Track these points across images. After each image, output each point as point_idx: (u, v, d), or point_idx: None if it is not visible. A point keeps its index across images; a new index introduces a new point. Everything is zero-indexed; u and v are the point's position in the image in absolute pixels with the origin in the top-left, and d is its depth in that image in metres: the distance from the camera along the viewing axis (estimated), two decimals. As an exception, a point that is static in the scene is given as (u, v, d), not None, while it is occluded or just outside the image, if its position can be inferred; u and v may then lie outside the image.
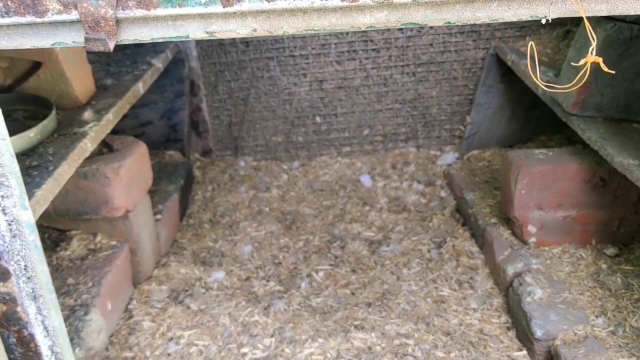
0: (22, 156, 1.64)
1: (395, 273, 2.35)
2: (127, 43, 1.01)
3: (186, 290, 2.27)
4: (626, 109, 2.07)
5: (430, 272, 2.34)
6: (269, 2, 0.94)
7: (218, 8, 0.95)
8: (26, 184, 1.43)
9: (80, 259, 2.08)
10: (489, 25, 2.90)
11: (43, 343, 1.25)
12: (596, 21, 1.97)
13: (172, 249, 2.54)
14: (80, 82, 2.02)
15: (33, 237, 1.16)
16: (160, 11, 0.95)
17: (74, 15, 0.95)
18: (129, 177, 2.10)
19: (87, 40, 0.96)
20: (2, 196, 1.11)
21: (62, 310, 1.41)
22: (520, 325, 1.97)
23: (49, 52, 1.89)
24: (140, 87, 2.30)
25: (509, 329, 2.03)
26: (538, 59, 2.52)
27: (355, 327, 2.07)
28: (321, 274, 2.38)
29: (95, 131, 1.84)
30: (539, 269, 2.09)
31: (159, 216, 2.45)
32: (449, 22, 0.99)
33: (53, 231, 2.18)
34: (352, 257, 2.47)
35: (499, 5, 0.97)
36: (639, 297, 1.95)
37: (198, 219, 2.76)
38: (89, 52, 2.12)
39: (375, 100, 3.12)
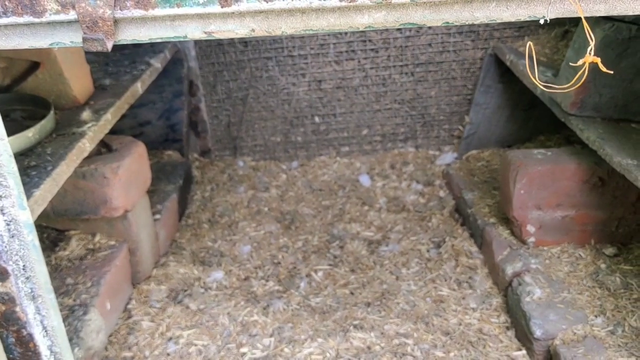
0: (21, 156, 1.64)
1: (395, 273, 2.35)
2: (125, 43, 1.01)
3: (185, 290, 2.27)
4: (625, 109, 2.07)
5: (429, 271, 2.34)
6: (267, 2, 0.94)
7: (216, 8, 0.95)
8: (24, 184, 1.43)
9: (79, 259, 2.08)
10: (487, 25, 2.90)
11: (42, 343, 1.24)
12: (594, 21, 1.97)
13: (171, 248, 2.54)
14: (78, 82, 2.02)
15: (31, 237, 1.16)
16: (158, 11, 0.95)
17: (71, 15, 0.95)
18: (128, 177, 2.10)
19: (85, 40, 0.96)
20: (1, 196, 1.10)
21: (61, 310, 1.40)
22: (519, 325, 1.97)
23: (47, 52, 1.89)
24: (139, 87, 2.30)
25: (508, 328, 2.03)
26: (536, 59, 2.52)
27: (355, 326, 2.07)
28: (320, 273, 2.38)
29: (93, 131, 1.84)
30: (538, 269, 2.09)
31: (157, 216, 2.45)
32: (448, 22, 0.99)
33: (52, 231, 2.18)
34: (351, 257, 2.47)
35: (497, 6, 0.97)
36: (638, 297, 1.95)
37: (197, 219, 2.76)
38: (87, 52, 2.12)
39: (374, 100, 3.12)
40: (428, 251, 2.47)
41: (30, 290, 1.19)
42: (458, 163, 3.04)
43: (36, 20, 0.96)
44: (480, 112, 3.03)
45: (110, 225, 2.17)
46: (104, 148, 2.21)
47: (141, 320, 2.12)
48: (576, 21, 2.39)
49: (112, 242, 2.17)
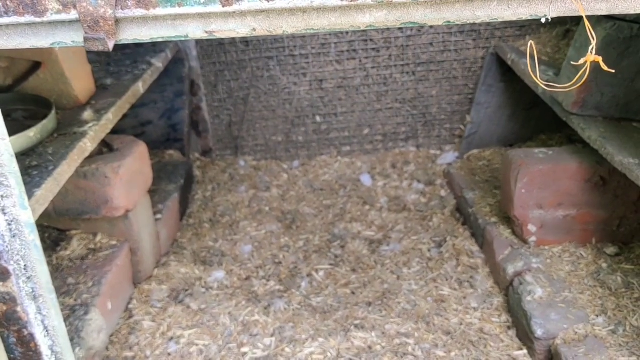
0: (22, 156, 1.64)
1: (396, 272, 2.35)
2: (126, 43, 1.01)
3: (186, 290, 2.27)
4: (626, 108, 2.06)
5: (430, 271, 2.34)
6: (268, 2, 0.94)
7: (217, 7, 0.95)
8: (26, 183, 1.44)
9: (80, 259, 2.08)
10: (488, 24, 2.90)
11: (43, 343, 1.25)
12: (596, 20, 1.97)
13: (172, 248, 2.54)
14: (80, 82, 2.02)
15: (33, 237, 1.16)
16: (160, 11, 0.95)
17: (73, 15, 0.95)
18: (129, 176, 2.10)
19: (86, 40, 0.96)
20: (2, 196, 1.10)
21: (62, 310, 1.41)
22: (520, 325, 1.97)
23: (49, 52, 1.89)
24: (140, 87, 2.30)
25: (509, 328, 2.03)
26: (538, 58, 2.51)
27: (356, 326, 2.07)
28: (321, 273, 2.38)
29: (95, 131, 1.84)
30: (539, 268, 2.09)
31: (159, 216, 2.45)
32: (449, 22, 0.99)
33: (53, 231, 2.18)
34: (353, 256, 2.47)
35: (499, 5, 0.97)
36: (639, 296, 1.94)
37: (198, 219, 2.76)
38: (88, 52, 2.12)
39: (375, 100, 3.12)
40: (429, 251, 2.47)
41: (31, 290, 1.20)
42: (459, 162, 3.04)
43: (37, 19, 0.96)
44: (482, 111, 3.03)
45: (111, 225, 2.17)
46: (106, 148, 2.21)
47: (142, 320, 2.12)
48: (578, 20, 2.39)
49: (114, 242, 2.17)
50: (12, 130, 1.30)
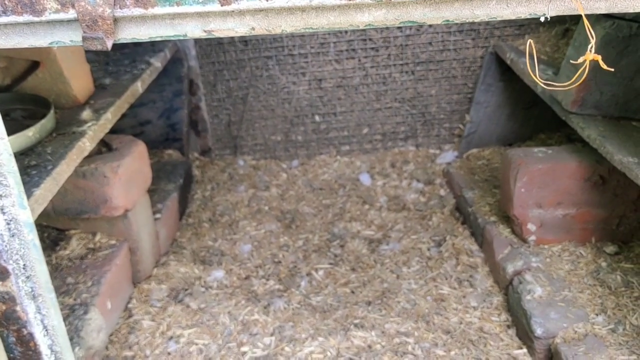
0: (21, 155, 1.64)
1: (395, 271, 2.35)
2: (125, 42, 1.00)
3: (186, 289, 2.27)
4: (625, 107, 2.06)
5: (430, 270, 2.34)
6: (267, 1, 0.94)
7: (216, 6, 0.95)
8: (25, 183, 1.43)
9: (79, 258, 2.08)
10: (488, 23, 2.90)
11: (42, 342, 1.24)
12: (595, 19, 1.97)
13: (171, 248, 2.54)
14: (78, 81, 2.02)
15: (32, 237, 1.16)
16: (158, 10, 0.95)
17: (71, 14, 0.95)
18: (128, 176, 2.09)
19: (84, 39, 0.96)
20: (1, 195, 1.10)
21: (61, 310, 1.40)
22: (520, 324, 1.97)
23: (47, 51, 1.89)
24: (139, 87, 2.30)
25: (509, 327, 2.03)
26: (537, 58, 2.51)
27: (355, 325, 2.07)
28: (321, 272, 2.38)
29: (93, 130, 1.84)
30: (539, 267, 2.09)
31: (158, 215, 2.45)
32: (448, 20, 0.99)
33: (52, 230, 2.18)
34: (352, 255, 2.46)
35: (498, 3, 0.97)
36: (638, 295, 1.94)
37: (197, 218, 2.76)
38: (87, 52, 2.12)
39: (375, 99, 3.12)
40: (429, 250, 2.47)
41: (30, 290, 1.19)
42: (458, 162, 3.04)
43: (36, 19, 0.96)
44: (481, 110, 3.03)
45: (110, 225, 2.17)
46: (104, 147, 2.21)
47: (142, 319, 2.12)
48: (577, 19, 2.39)
49: (113, 242, 2.17)
50: (11, 129, 1.30)
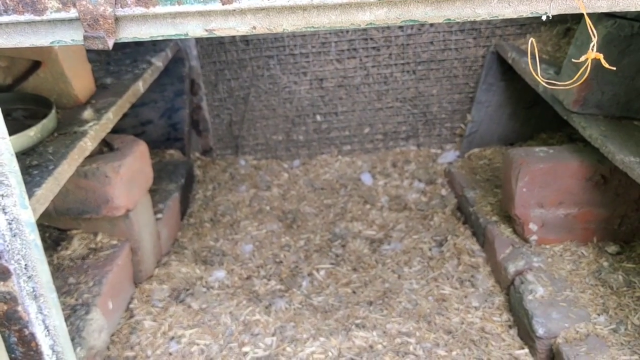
0: (22, 155, 1.64)
1: (397, 271, 2.35)
2: (126, 41, 1.00)
3: (187, 290, 2.27)
4: (627, 107, 2.06)
5: (431, 270, 2.34)
6: (268, 0, 0.94)
7: (217, 5, 0.95)
8: (26, 183, 1.43)
9: (81, 258, 2.08)
10: (489, 23, 2.89)
11: (44, 342, 1.24)
12: (596, 18, 1.96)
13: (173, 248, 2.54)
14: (80, 81, 2.02)
15: (33, 236, 1.16)
16: (159, 9, 0.95)
17: (72, 13, 0.95)
18: (130, 176, 2.09)
19: (86, 38, 0.96)
20: (2, 195, 1.10)
21: (63, 310, 1.40)
22: (521, 324, 1.97)
23: (49, 51, 1.89)
24: (140, 86, 2.30)
25: (510, 327, 2.03)
26: (539, 57, 2.51)
27: (357, 325, 2.07)
28: (322, 272, 2.38)
29: (95, 130, 1.84)
30: (541, 267, 2.09)
31: (159, 215, 2.45)
32: (449, 19, 0.99)
33: (54, 230, 2.18)
34: (353, 255, 2.46)
35: (499, 2, 0.97)
36: (640, 295, 1.94)
37: (199, 218, 2.76)
38: (88, 51, 2.12)
39: (376, 99, 3.12)
40: (430, 250, 2.46)
41: (32, 290, 1.19)
42: (460, 161, 3.04)
43: (37, 18, 0.96)
44: (482, 110, 3.03)
45: (112, 225, 2.17)
46: (106, 147, 2.21)
47: (143, 319, 2.12)
48: (578, 18, 2.39)
49: (114, 242, 2.17)
50: (13, 129, 1.30)
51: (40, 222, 2.13)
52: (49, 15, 0.95)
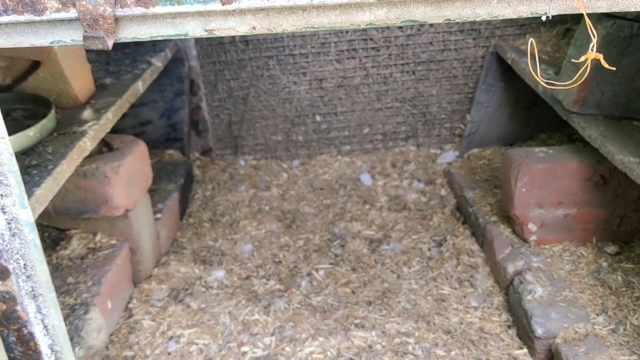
0: (22, 155, 1.64)
1: (396, 271, 2.35)
2: (125, 41, 1.00)
3: (186, 289, 2.27)
4: (626, 107, 2.06)
5: (430, 270, 2.34)
6: (268, 0, 0.94)
7: (217, 6, 0.95)
8: (25, 182, 1.43)
9: (80, 258, 2.08)
10: (489, 23, 2.89)
11: (43, 342, 1.24)
12: (596, 19, 1.97)
13: (172, 248, 2.54)
14: (79, 81, 2.02)
15: (32, 236, 1.16)
16: (159, 9, 0.95)
17: (72, 13, 0.95)
18: (129, 176, 2.09)
19: (85, 38, 0.96)
20: (2, 195, 1.10)
21: (62, 309, 1.40)
22: (520, 324, 1.97)
23: (48, 51, 1.89)
24: (140, 86, 2.30)
25: (509, 327, 2.03)
26: (538, 57, 2.51)
27: (356, 325, 2.07)
28: (321, 272, 2.38)
29: (94, 130, 1.84)
30: (540, 267, 2.09)
31: (159, 215, 2.45)
32: (449, 19, 0.99)
33: (53, 230, 2.18)
34: (353, 255, 2.46)
35: (499, 2, 0.97)
36: (639, 295, 1.94)
37: (198, 218, 2.76)
38: (88, 51, 2.12)
39: (375, 99, 3.12)
40: (429, 250, 2.46)
41: (31, 289, 1.19)
42: (459, 161, 3.04)
43: (37, 18, 0.96)
44: (482, 110, 3.03)
45: (111, 225, 2.17)
46: (105, 147, 2.21)
47: (142, 319, 2.12)
48: (578, 19, 2.39)
49: (113, 241, 2.17)
50: (12, 129, 1.30)
51: (40, 222, 2.13)
52: (48, 16, 0.95)
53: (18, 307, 1.18)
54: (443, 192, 2.88)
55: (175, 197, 2.64)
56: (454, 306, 2.14)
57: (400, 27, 2.93)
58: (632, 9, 0.97)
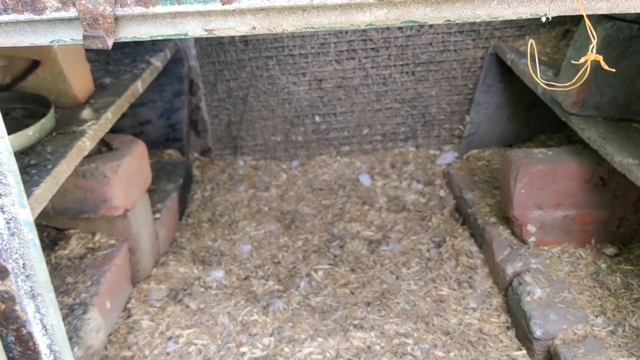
0: (21, 155, 1.64)
1: (395, 272, 2.35)
2: (125, 41, 1.00)
3: (185, 290, 2.27)
4: (626, 109, 2.06)
5: (429, 271, 2.34)
6: (268, 0, 0.94)
7: (217, 5, 0.95)
8: (25, 182, 1.43)
9: (79, 258, 2.08)
10: (488, 24, 2.90)
11: (42, 342, 1.24)
12: (595, 20, 1.97)
13: (171, 248, 2.53)
14: (79, 80, 2.02)
15: (31, 236, 1.16)
16: (159, 8, 0.95)
17: (72, 12, 0.94)
18: (128, 176, 2.09)
19: (85, 37, 0.96)
20: (1, 194, 1.10)
21: (60, 309, 1.40)
22: (519, 325, 1.97)
23: (48, 50, 1.89)
24: (139, 86, 2.30)
25: (508, 328, 2.03)
26: (538, 59, 2.51)
27: (355, 326, 2.07)
28: (320, 273, 2.38)
29: (94, 130, 1.84)
30: (539, 269, 2.09)
31: (158, 215, 2.45)
32: (449, 20, 0.99)
33: (52, 230, 2.17)
34: (352, 256, 2.46)
35: (499, 3, 0.97)
36: (638, 297, 1.94)
37: (197, 218, 2.76)
38: (87, 51, 2.12)
39: (375, 100, 3.12)
40: (428, 251, 2.46)
41: (30, 289, 1.19)
42: (458, 162, 3.04)
43: (36, 17, 0.96)
44: (481, 111, 3.03)
45: (110, 224, 2.16)
46: (104, 147, 2.21)
47: (141, 319, 2.12)
48: (577, 20, 2.39)
49: (112, 241, 2.17)
50: (11, 128, 1.30)
51: (39, 222, 2.12)
52: (48, 15, 0.95)
53: (17, 307, 1.18)
54: (442, 193, 2.88)
55: (175, 197, 2.64)
56: (453, 307, 2.14)
57: (399, 28, 2.93)
58: (632, 11, 0.97)
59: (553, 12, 0.97)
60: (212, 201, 2.90)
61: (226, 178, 3.09)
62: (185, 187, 2.87)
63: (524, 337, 1.93)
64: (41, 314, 1.23)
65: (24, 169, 1.56)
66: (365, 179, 3.04)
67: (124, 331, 2.07)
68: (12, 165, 1.10)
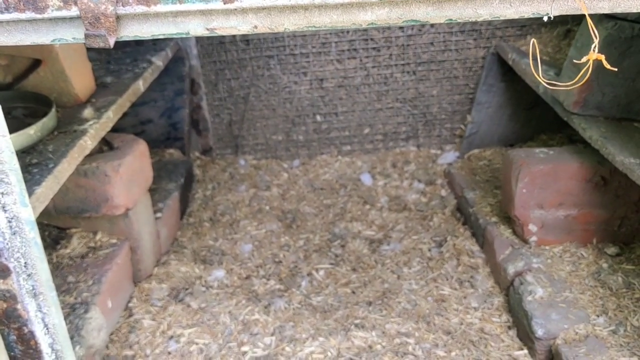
0: (22, 154, 1.64)
1: (396, 272, 2.35)
2: (127, 39, 1.00)
3: (186, 289, 2.27)
4: (627, 108, 2.06)
5: (430, 271, 2.34)
6: (270, -1, 0.94)
7: (219, 4, 0.95)
8: (26, 181, 1.43)
9: (80, 257, 2.08)
10: (489, 24, 2.89)
11: (43, 341, 1.24)
12: (597, 20, 1.96)
13: (172, 247, 2.54)
14: (80, 79, 2.02)
15: (33, 235, 1.16)
16: (161, 7, 0.95)
17: (74, 11, 0.94)
18: (129, 175, 2.09)
19: (87, 36, 0.96)
20: (2, 193, 1.10)
21: (62, 308, 1.40)
22: (521, 325, 1.97)
23: (49, 49, 1.89)
24: (141, 85, 2.30)
25: (509, 328, 2.03)
26: (539, 58, 2.51)
27: (356, 325, 2.07)
28: (321, 272, 2.38)
29: (95, 129, 1.84)
30: (540, 268, 2.09)
31: (159, 214, 2.45)
32: (451, 19, 0.99)
33: (53, 229, 2.18)
34: (353, 255, 2.46)
35: (501, 2, 0.97)
36: (639, 297, 1.94)
37: (198, 218, 2.76)
38: (89, 50, 2.12)
39: (376, 99, 3.12)
40: (429, 250, 2.46)
41: (31, 288, 1.19)
42: (460, 162, 3.04)
43: (38, 16, 0.96)
44: (482, 111, 3.03)
45: (111, 224, 2.16)
46: (106, 146, 2.21)
47: (142, 318, 2.12)
48: (579, 20, 2.39)
49: (114, 240, 2.17)
50: (13, 127, 1.30)
51: (40, 221, 2.13)
52: (50, 13, 0.95)
53: (19, 306, 1.18)
54: (443, 192, 2.88)
55: (176, 197, 2.64)
56: (454, 307, 2.14)
57: (401, 27, 2.93)
58: (634, 10, 0.97)
59: (555, 11, 0.96)
60: (213, 200, 2.90)
61: (227, 177, 3.09)
62: (187, 187, 2.87)
63: (526, 336, 1.93)
64: (43, 313, 1.23)
65: (26, 168, 1.56)
66: (366, 179, 3.04)
67: (125, 330, 2.07)
68: (14, 164, 1.10)
